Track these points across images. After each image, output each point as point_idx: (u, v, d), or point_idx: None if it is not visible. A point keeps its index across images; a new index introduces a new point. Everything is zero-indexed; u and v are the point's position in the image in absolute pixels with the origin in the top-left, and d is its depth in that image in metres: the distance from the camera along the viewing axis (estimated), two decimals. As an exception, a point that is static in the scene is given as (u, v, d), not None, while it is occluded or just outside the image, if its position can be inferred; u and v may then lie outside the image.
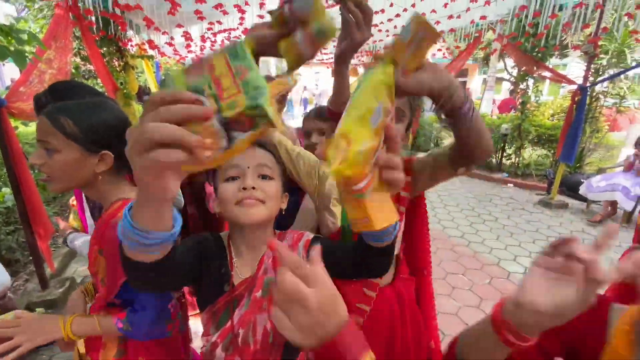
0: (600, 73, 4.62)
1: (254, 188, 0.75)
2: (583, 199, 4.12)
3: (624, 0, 3.29)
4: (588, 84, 3.79)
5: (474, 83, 14.79)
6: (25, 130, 3.78)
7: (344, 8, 0.70)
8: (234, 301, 0.76)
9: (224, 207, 0.77)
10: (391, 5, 3.74)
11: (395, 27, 4.76)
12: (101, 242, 0.80)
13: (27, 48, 1.99)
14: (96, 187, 0.83)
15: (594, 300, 0.40)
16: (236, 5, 3.51)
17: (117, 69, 4.16)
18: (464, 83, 16.11)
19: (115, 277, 0.77)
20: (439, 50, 5.94)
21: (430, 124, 7.61)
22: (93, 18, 3.13)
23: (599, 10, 3.43)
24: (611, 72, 4.57)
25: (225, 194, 0.76)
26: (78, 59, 4.44)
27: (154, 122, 0.33)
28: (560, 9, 3.57)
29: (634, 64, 4.52)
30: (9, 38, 1.86)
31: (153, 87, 5.82)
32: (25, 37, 1.89)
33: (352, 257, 0.72)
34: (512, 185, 5.20)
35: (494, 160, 5.63)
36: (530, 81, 4.92)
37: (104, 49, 3.81)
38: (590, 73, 3.85)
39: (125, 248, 0.47)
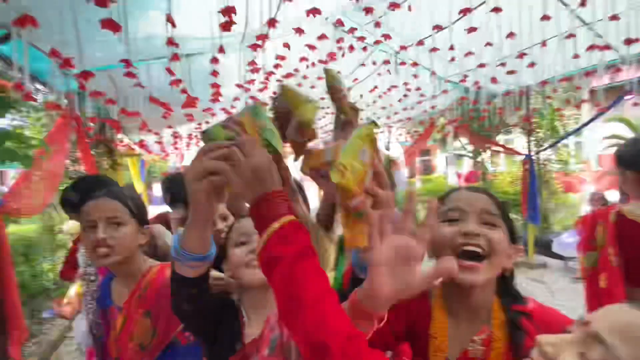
0: (542, 144, 5.38)
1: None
2: (559, 256, 4.34)
3: (544, 88, 4.09)
4: (532, 154, 4.39)
5: (437, 160, 16.19)
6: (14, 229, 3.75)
7: (339, 109, 0.95)
8: None
9: (234, 271, 0.88)
10: (355, 103, 4.41)
11: (361, 119, 5.49)
12: (152, 304, 0.91)
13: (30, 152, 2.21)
14: (134, 259, 0.98)
15: (426, 281, 0.49)
16: (222, 109, 4.02)
17: (105, 167, 4.40)
18: (429, 160, 17.64)
19: (169, 328, 0.88)
20: (400, 135, 6.76)
21: (403, 198, 8.06)
22: (91, 124, 3.47)
23: (524, 96, 4.20)
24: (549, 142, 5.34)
25: (235, 258, 0.87)
26: (67, 161, 4.68)
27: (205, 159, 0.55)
28: (495, 97, 4.37)
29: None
30: (20, 143, 2.07)
31: (136, 184, 6.01)
32: (34, 142, 2.11)
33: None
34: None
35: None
36: (486, 155, 5.59)
37: (94, 150, 4.10)
38: (531, 145, 4.51)
39: (175, 265, 0.64)
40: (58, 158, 2.68)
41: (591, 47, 2.58)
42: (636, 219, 1.24)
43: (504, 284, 0.71)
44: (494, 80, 3.47)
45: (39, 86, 2.49)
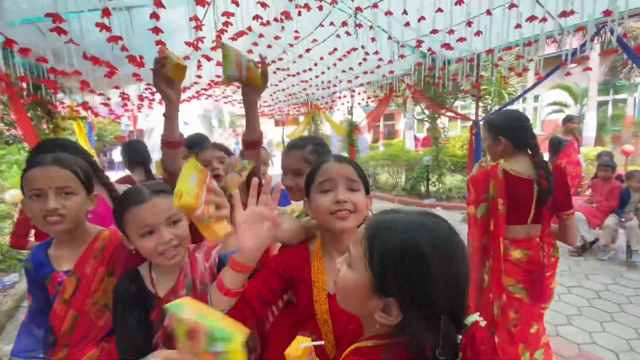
0: (490, 109, 5.70)
1: None
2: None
3: (492, 55, 4.27)
4: (479, 119, 4.68)
5: (400, 125, 16.59)
6: None
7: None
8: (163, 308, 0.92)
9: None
10: (315, 64, 4.37)
11: (322, 82, 5.44)
12: (114, 265, 0.98)
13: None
14: (82, 224, 1.02)
15: (272, 235, 0.75)
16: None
17: (46, 131, 4.07)
18: (392, 125, 18.01)
19: None
20: (362, 99, 6.81)
21: (366, 162, 8.34)
22: (24, 84, 3.14)
23: (474, 63, 4.37)
24: (496, 108, 5.68)
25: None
26: (1, 124, 4.25)
27: None
28: (449, 63, 4.50)
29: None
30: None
31: (85, 148, 5.63)
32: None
33: None
34: (439, 208, 5.88)
35: (422, 188, 6.34)
36: (444, 120, 5.84)
37: (31, 112, 3.75)
38: (480, 110, 4.77)
39: None
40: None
41: (531, 18, 2.73)
42: (516, 174, 1.57)
43: None
44: (446, 46, 3.57)
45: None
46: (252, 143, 1.23)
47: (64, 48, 2.38)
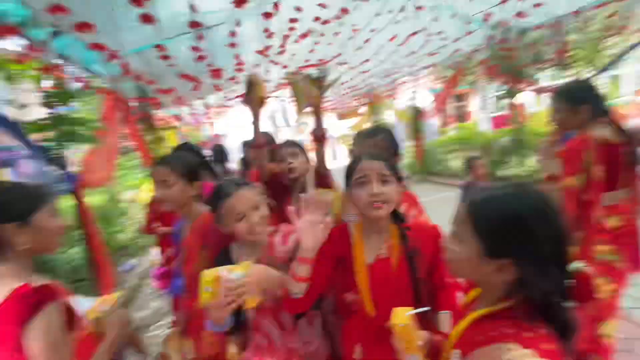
0: (579, 78, 4.97)
1: None
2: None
3: (579, 16, 3.75)
4: (566, 90, 4.15)
5: (473, 105, 15.32)
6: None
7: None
8: None
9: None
10: (375, 54, 4.37)
11: (383, 70, 5.40)
12: (205, 239, 1.23)
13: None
14: (187, 206, 1.31)
15: (325, 232, 1.02)
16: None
17: (150, 142, 4.85)
18: (464, 106, 16.73)
19: None
20: (428, 82, 6.54)
21: (434, 148, 7.99)
22: (134, 103, 3.82)
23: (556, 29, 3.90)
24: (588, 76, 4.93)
25: None
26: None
27: None
28: (525, 32, 4.09)
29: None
30: (79, 125, 2.45)
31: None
32: (91, 124, 2.48)
33: None
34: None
35: (498, 173, 5.84)
36: (528, 95, 5.26)
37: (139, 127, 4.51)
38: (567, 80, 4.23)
39: None
40: (113, 135, 3.09)
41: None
42: (607, 141, 1.53)
43: (395, 211, 1.08)
44: (521, 15, 3.27)
45: (86, 74, 2.82)
46: (320, 137, 1.60)
47: (163, 69, 2.87)
